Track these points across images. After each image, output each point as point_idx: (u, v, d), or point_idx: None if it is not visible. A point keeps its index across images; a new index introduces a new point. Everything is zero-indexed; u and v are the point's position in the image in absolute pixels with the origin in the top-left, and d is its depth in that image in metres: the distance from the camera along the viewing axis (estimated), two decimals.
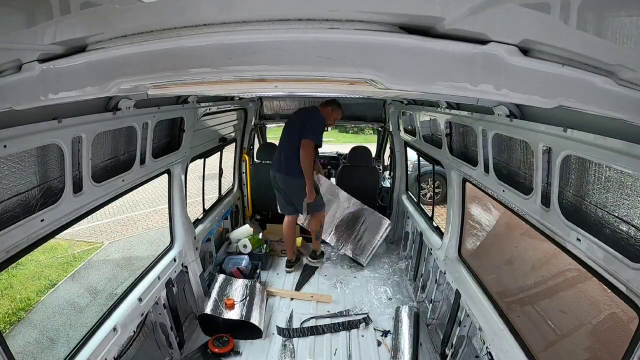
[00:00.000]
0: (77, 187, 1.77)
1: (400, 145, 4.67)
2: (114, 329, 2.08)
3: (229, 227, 4.60)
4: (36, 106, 1.13)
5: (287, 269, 4.19)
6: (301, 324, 3.29)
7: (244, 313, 3.16)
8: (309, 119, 3.78)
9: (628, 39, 0.74)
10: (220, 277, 3.51)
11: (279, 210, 4.18)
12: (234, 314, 3.13)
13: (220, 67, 0.94)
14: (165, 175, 2.84)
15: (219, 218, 4.08)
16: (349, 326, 3.23)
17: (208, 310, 3.10)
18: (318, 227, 4.21)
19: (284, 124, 4.27)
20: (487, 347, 2.14)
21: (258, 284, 3.61)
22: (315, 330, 3.15)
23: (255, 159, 5.09)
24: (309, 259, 4.32)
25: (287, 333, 3.11)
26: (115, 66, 0.98)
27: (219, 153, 4.33)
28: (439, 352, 2.82)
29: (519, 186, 1.90)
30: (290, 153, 3.77)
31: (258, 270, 3.89)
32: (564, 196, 1.59)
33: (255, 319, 3.13)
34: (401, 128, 4.46)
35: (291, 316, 3.39)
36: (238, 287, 3.47)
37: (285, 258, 4.32)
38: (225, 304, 3.17)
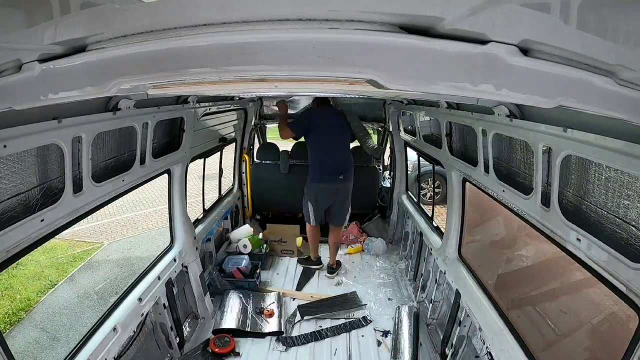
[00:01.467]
0: (77, 187, 1.77)
1: (400, 145, 4.67)
2: (114, 329, 2.07)
3: (229, 227, 4.60)
4: (36, 106, 1.13)
5: (329, 275, 4.08)
6: (300, 320, 3.31)
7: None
8: (343, 119, 3.81)
9: (628, 39, 0.74)
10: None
11: (314, 221, 4.00)
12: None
13: (220, 67, 0.94)
14: (165, 175, 2.84)
15: (219, 218, 4.08)
16: (350, 327, 3.23)
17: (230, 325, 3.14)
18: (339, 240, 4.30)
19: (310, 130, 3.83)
20: (487, 347, 2.13)
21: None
22: (317, 336, 3.14)
23: (255, 159, 5.09)
24: (328, 274, 4.14)
25: (290, 341, 3.08)
26: (115, 66, 0.98)
27: (219, 153, 4.33)
28: (439, 352, 2.82)
29: (519, 186, 1.90)
30: (346, 158, 3.85)
31: (258, 270, 3.89)
32: (564, 196, 1.59)
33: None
34: (401, 128, 4.45)
35: (294, 315, 3.40)
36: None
37: (286, 258, 4.36)
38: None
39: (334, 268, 4.13)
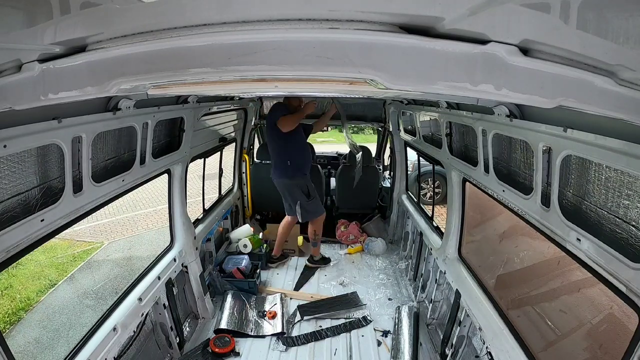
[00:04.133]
0: (77, 187, 1.77)
1: (400, 145, 4.67)
2: (114, 329, 2.08)
3: (229, 227, 4.60)
4: (36, 106, 1.13)
5: (269, 264, 4.24)
6: (300, 320, 3.31)
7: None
8: (274, 115, 3.77)
9: (628, 39, 0.74)
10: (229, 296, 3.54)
11: (286, 212, 4.24)
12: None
13: (220, 67, 0.94)
14: (165, 175, 2.84)
15: (219, 218, 4.08)
16: (350, 327, 3.23)
17: (224, 325, 3.14)
18: (313, 234, 4.17)
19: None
20: (487, 347, 2.14)
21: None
22: (317, 336, 3.14)
23: (255, 159, 5.09)
24: (307, 262, 4.30)
25: (291, 341, 3.08)
26: (115, 66, 0.98)
27: (219, 153, 4.33)
28: (439, 352, 2.82)
29: (519, 186, 1.90)
30: (279, 159, 3.92)
31: (258, 270, 3.89)
32: (564, 196, 1.59)
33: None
34: (401, 128, 4.46)
35: (294, 315, 3.40)
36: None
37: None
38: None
39: (313, 260, 4.33)
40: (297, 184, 3.93)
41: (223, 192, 4.60)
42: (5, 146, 1.32)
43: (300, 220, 4.14)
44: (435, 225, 3.52)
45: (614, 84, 0.83)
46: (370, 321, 3.31)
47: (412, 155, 4.59)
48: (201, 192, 4.07)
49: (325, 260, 4.32)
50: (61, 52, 0.99)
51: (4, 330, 4.30)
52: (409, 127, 4.16)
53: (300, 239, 4.60)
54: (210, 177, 4.33)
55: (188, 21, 0.87)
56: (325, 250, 4.68)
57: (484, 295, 2.36)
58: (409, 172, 4.94)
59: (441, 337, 2.84)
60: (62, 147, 1.62)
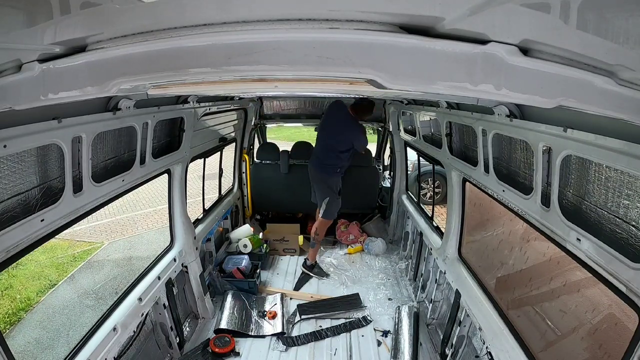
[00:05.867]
0: (77, 187, 1.77)
1: (400, 145, 4.67)
2: (114, 329, 2.08)
3: (229, 227, 4.60)
4: (36, 106, 1.13)
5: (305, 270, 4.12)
6: (300, 320, 3.32)
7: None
8: (347, 129, 3.89)
9: (628, 39, 0.74)
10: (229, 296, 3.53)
11: (312, 199, 4.27)
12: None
13: (220, 67, 0.94)
14: (165, 175, 2.84)
15: (219, 218, 4.08)
16: (350, 327, 3.23)
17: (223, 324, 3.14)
18: (314, 232, 4.09)
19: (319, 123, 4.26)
20: (487, 347, 2.14)
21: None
22: (317, 336, 3.14)
23: (255, 159, 5.09)
24: (302, 267, 4.16)
25: (291, 341, 3.09)
26: (115, 66, 0.98)
27: (219, 153, 4.33)
28: (439, 352, 2.82)
29: (519, 186, 1.90)
30: (330, 154, 3.95)
31: (258, 270, 3.89)
32: (564, 196, 1.59)
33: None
34: (401, 128, 4.45)
35: (294, 315, 3.40)
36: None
37: (287, 257, 4.37)
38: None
39: (305, 264, 4.16)
40: (334, 182, 4.02)
41: (223, 192, 4.60)
42: (5, 146, 1.33)
43: (320, 216, 4.09)
44: (435, 225, 3.52)
45: (614, 84, 0.83)
46: (370, 321, 3.31)
47: (412, 155, 4.59)
48: (201, 192, 4.07)
49: (321, 273, 4.12)
50: (61, 52, 0.99)
51: (4, 331, 4.30)
52: (409, 127, 4.16)
53: (301, 238, 4.60)
54: (210, 177, 4.33)
55: (188, 21, 0.87)
56: (325, 250, 4.68)
57: (484, 295, 2.36)
58: (409, 172, 4.94)
59: (441, 337, 2.84)
60: (62, 147, 1.62)
